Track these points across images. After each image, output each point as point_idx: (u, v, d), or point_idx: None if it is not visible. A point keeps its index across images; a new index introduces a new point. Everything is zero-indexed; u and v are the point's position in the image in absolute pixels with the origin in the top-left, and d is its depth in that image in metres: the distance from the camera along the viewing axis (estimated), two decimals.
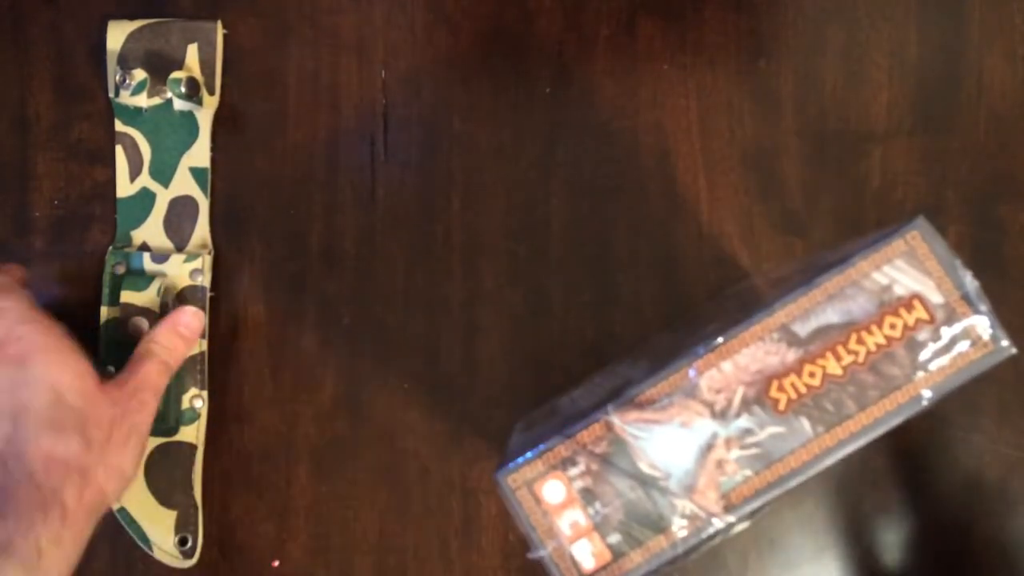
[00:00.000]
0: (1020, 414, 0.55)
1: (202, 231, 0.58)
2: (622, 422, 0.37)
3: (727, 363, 0.37)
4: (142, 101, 0.57)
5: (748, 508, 0.37)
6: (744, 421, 0.37)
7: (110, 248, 0.57)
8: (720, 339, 0.38)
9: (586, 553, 0.37)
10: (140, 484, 0.56)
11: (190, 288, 0.57)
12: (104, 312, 0.56)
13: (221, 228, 0.58)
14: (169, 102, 0.57)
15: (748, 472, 0.37)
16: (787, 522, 0.56)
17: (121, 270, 0.56)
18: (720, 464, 0.37)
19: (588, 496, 0.37)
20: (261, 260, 0.58)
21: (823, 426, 0.37)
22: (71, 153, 0.59)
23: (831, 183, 0.57)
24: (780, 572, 0.56)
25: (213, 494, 0.57)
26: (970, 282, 0.37)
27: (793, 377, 0.37)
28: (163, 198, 0.58)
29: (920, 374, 0.37)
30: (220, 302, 0.58)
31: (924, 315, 0.37)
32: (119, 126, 0.58)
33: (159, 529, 0.56)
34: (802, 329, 0.37)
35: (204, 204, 0.58)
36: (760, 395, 0.37)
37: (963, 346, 0.37)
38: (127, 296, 0.55)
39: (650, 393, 0.37)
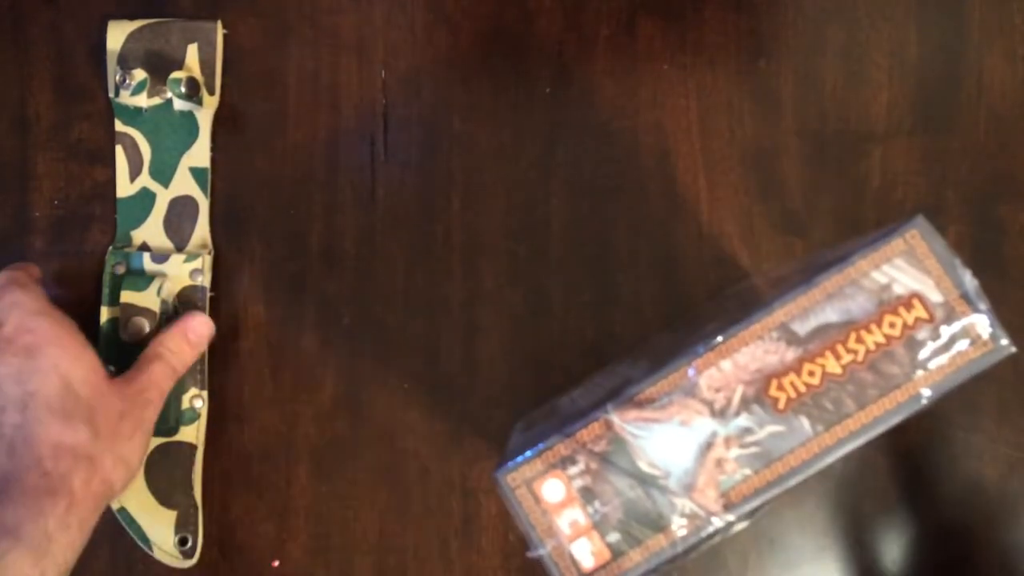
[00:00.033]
0: (1020, 413, 0.55)
1: (202, 231, 0.58)
2: (621, 421, 0.37)
3: (726, 362, 0.37)
4: (142, 101, 0.57)
5: (747, 507, 0.37)
6: (743, 420, 0.37)
7: (110, 248, 0.57)
8: (719, 338, 0.38)
9: (585, 552, 0.37)
10: (140, 484, 0.56)
11: (190, 288, 0.57)
12: (104, 312, 0.56)
13: (221, 228, 0.58)
14: (169, 102, 0.57)
15: (747, 471, 0.37)
16: (787, 521, 0.56)
17: (121, 270, 0.56)
18: (719, 463, 0.37)
19: (587, 495, 0.37)
20: (261, 260, 0.58)
21: (822, 425, 0.37)
22: (71, 153, 0.59)
23: (831, 183, 0.57)
24: (780, 572, 0.56)
25: (213, 494, 0.57)
26: (969, 281, 0.37)
27: (792, 376, 0.37)
28: (163, 198, 0.58)
29: (919, 373, 0.37)
30: (220, 302, 0.58)
31: (923, 314, 0.37)
32: (119, 126, 0.58)
33: (159, 529, 0.56)
34: (801, 328, 0.37)
35: (204, 204, 0.58)
36: (759, 394, 0.37)
37: (962, 345, 0.37)
38: (127, 296, 0.55)
39: (650, 392, 0.37)
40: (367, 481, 0.57)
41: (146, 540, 0.56)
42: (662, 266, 0.57)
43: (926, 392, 0.37)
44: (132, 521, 0.56)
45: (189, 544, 0.56)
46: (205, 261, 0.57)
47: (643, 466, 0.37)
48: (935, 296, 0.37)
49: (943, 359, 0.37)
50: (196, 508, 0.56)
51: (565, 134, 0.58)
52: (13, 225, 0.58)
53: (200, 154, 0.58)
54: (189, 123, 0.58)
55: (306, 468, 0.57)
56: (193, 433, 0.56)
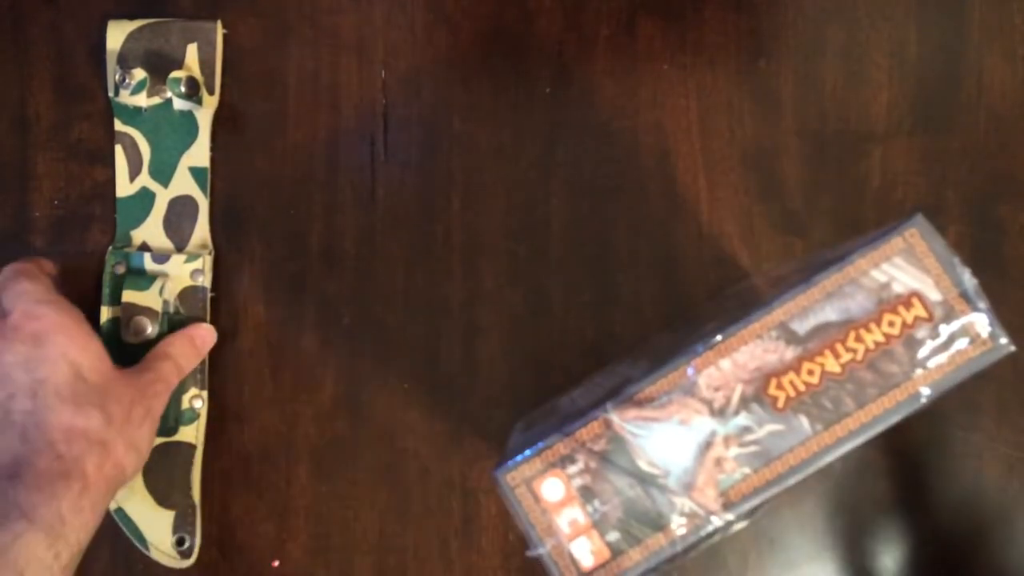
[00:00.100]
0: (1019, 413, 0.55)
1: (202, 231, 0.58)
2: (621, 420, 0.37)
3: (726, 361, 0.37)
4: (142, 101, 0.57)
5: (747, 506, 0.37)
6: (743, 419, 0.37)
7: (110, 248, 0.57)
8: (719, 337, 0.38)
9: (585, 551, 0.37)
10: (138, 484, 0.56)
11: (191, 288, 0.57)
12: (104, 312, 0.56)
13: (221, 228, 0.58)
14: (169, 102, 0.58)
15: (747, 470, 0.37)
16: (786, 521, 0.56)
17: (121, 270, 0.56)
18: (719, 462, 0.37)
19: (587, 494, 0.37)
20: (261, 260, 0.58)
21: (822, 424, 0.37)
22: (71, 153, 0.59)
23: (831, 183, 0.57)
24: (780, 571, 0.56)
25: (213, 494, 0.57)
26: (968, 279, 0.37)
27: (792, 375, 0.37)
28: (163, 198, 0.58)
29: (919, 372, 0.37)
30: (220, 302, 0.58)
31: (923, 313, 0.37)
32: (119, 125, 0.58)
33: (156, 529, 0.56)
34: (801, 327, 0.37)
35: (204, 204, 0.58)
36: (759, 393, 0.37)
37: (962, 344, 0.37)
38: (129, 296, 0.55)
39: (649, 391, 0.37)
40: (367, 481, 0.57)
41: (143, 540, 0.56)
42: (662, 266, 0.57)
43: (925, 391, 0.37)
44: (129, 521, 0.56)
45: (187, 544, 0.56)
46: (206, 261, 0.57)
47: (642, 465, 0.37)
48: (934, 295, 0.37)
49: (942, 358, 0.37)
50: (195, 508, 0.56)
51: (565, 134, 0.58)
52: (13, 225, 0.59)
53: (200, 154, 0.58)
54: (189, 123, 0.58)
55: (306, 468, 0.57)
56: (192, 433, 0.56)
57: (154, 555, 0.56)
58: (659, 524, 0.37)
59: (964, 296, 0.37)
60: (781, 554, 0.56)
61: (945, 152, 0.57)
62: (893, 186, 0.57)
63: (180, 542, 0.56)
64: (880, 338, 0.37)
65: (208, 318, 0.57)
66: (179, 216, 0.58)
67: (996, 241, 0.56)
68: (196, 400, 0.56)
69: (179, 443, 0.56)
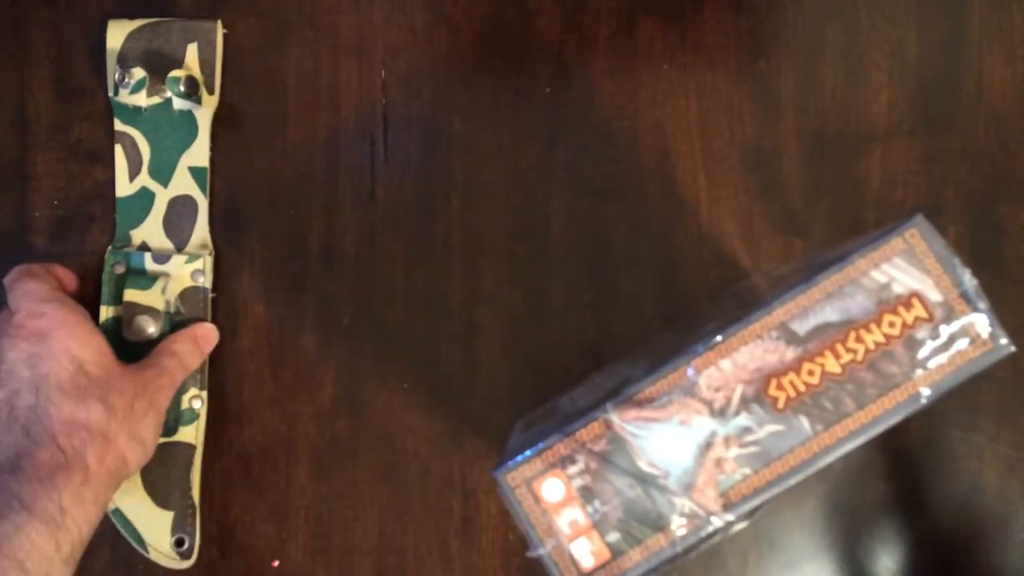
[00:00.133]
0: (1019, 413, 0.55)
1: (202, 231, 0.58)
2: (621, 420, 0.37)
3: (726, 361, 0.37)
4: (141, 100, 0.57)
5: (747, 506, 0.37)
6: (743, 419, 0.37)
7: (109, 248, 0.57)
8: (719, 337, 0.38)
9: (585, 551, 0.37)
10: (136, 485, 0.55)
11: (192, 289, 0.57)
12: (104, 311, 0.56)
13: (221, 228, 0.58)
14: (168, 101, 0.57)
15: (747, 470, 0.37)
16: (787, 522, 0.56)
17: (121, 270, 0.56)
18: (719, 462, 0.37)
19: (587, 494, 0.37)
20: (261, 260, 0.58)
21: (822, 424, 0.37)
22: (71, 153, 0.59)
23: (831, 183, 0.57)
24: (780, 571, 0.56)
25: (213, 494, 0.57)
26: (969, 280, 0.37)
27: (792, 375, 0.37)
28: (162, 198, 0.58)
29: (919, 372, 0.37)
30: (220, 302, 0.58)
31: (923, 313, 0.37)
32: (118, 125, 0.58)
33: (155, 530, 0.56)
34: (801, 327, 0.37)
35: (203, 204, 0.58)
36: (759, 393, 0.37)
37: (962, 344, 0.37)
38: (131, 295, 0.55)
39: (649, 391, 0.37)
40: (367, 481, 0.57)
41: (141, 541, 0.56)
42: (662, 266, 0.57)
43: (925, 392, 0.37)
44: (126, 522, 0.56)
45: (186, 545, 0.56)
46: (206, 262, 0.57)
47: (643, 466, 0.37)
48: (934, 295, 0.37)
49: (942, 358, 0.37)
50: (194, 509, 0.56)
51: (565, 134, 0.58)
52: (13, 225, 0.59)
53: (199, 154, 0.58)
54: (188, 123, 0.58)
55: (306, 468, 0.57)
56: (192, 433, 0.56)
57: (153, 556, 0.56)
58: (659, 525, 0.37)
59: (964, 297, 0.37)
60: (781, 554, 0.56)
61: (945, 152, 0.57)
62: (893, 186, 0.57)
63: (179, 543, 0.56)
64: (880, 339, 0.37)
65: (209, 318, 0.57)
66: (179, 216, 0.58)
67: (996, 241, 0.56)
68: (195, 400, 0.56)
69: (178, 443, 0.56)
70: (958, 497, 0.55)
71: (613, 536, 0.37)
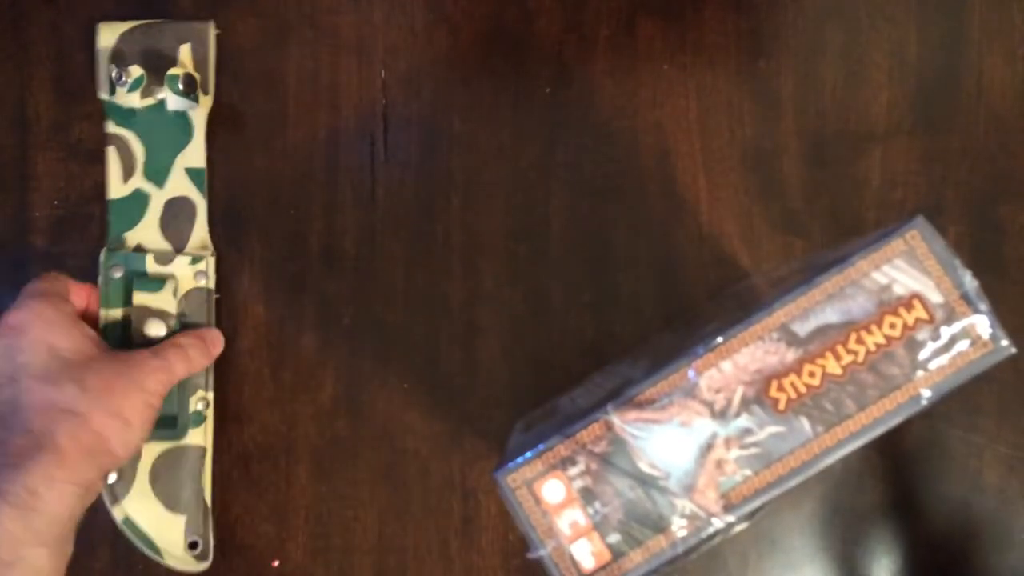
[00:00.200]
0: (1019, 413, 0.55)
1: (201, 232, 0.58)
2: (622, 422, 0.37)
3: (727, 363, 0.37)
4: (135, 102, 0.57)
5: (748, 508, 0.37)
6: (744, 421, 0.37)
7: (104, 250, 0.56)
8: (719, 339, 0.38)
9: (585, 553, 0.37)
10: (146, 492, 0.55)
11: (195, 290, 0.56)
12: (103, 315, 0.56)
13: (220, 228, 0.58)
14: (162, 103, 0.57)
15: (748, 472, 0.37)
16: (787, 522, 0.56)
17: (118, 273, 0.56)
18: (720, 464, 0.37)
19: (588, 495, 0.37)
20: (261, 260, 0.58)
21: (823, 426, 0.37)
22: (71, 153, 0.59)
23: (831, 183, 0.57)
24: (780, 572, 0.56)
25: (213, 494, 0.57)
26: (969, 281, 0.37)
27: (793, 377, 0.37)
28: (158, 199, 0.57)
29: (919, 373, 0.37)
30: (220, 302, 0.58)
31: (923, 314, 0.37)
32: (111, 127, 0.57)
33: (168, 536, 0.55)
34: (801, 329, 0.37)
35: (202, 205, 0.58)
36: (760, 395, 0.37)
37: (962, 345, 0.37)
38: (140, 298, 0.55)
39: (650, 393, 0.37)
40: (367, 481, 0.57)
41: (155, 548, 0.55)
42: (662, 266, 0.57)
43: (926, 393, 0.37)
44: (137, 529, 0.55)
45: (200, 548, 0.55)
46: (209, 263, 0.57)
47: (643, 467, 0.37)
48: (935, 297, 0.37)
49: (943, 360, 0.37)
50: (207, 510, 0.56)
51: (565, 134, 0.58)
52: (13, 225, 0.58)
53: (195, 155, 0.58)
54: (183, 123, 0.57)
55: (306, 468, 0.57)
56: (201, 435, 0.56)
57: (168, 562, 0.55)
58: (660, 526, 0.37)
59: (965, 298, 0.37)
60: (782, 555, 0.56)
61: (945, 152, 0.57)
62: (893, 186, 0.57)
63: (193, 545, 0.55)
64: (881, 340, 0.37)
65: (213, 319, 0.57)
66: (176, 217, 0.57)
67: (996, 242, 0.56)
68: (201, 402, 0.56)
69: (187, 446, 0.56)
70: (958, 498, 0.55)
71: (614, 537, 0.37)
